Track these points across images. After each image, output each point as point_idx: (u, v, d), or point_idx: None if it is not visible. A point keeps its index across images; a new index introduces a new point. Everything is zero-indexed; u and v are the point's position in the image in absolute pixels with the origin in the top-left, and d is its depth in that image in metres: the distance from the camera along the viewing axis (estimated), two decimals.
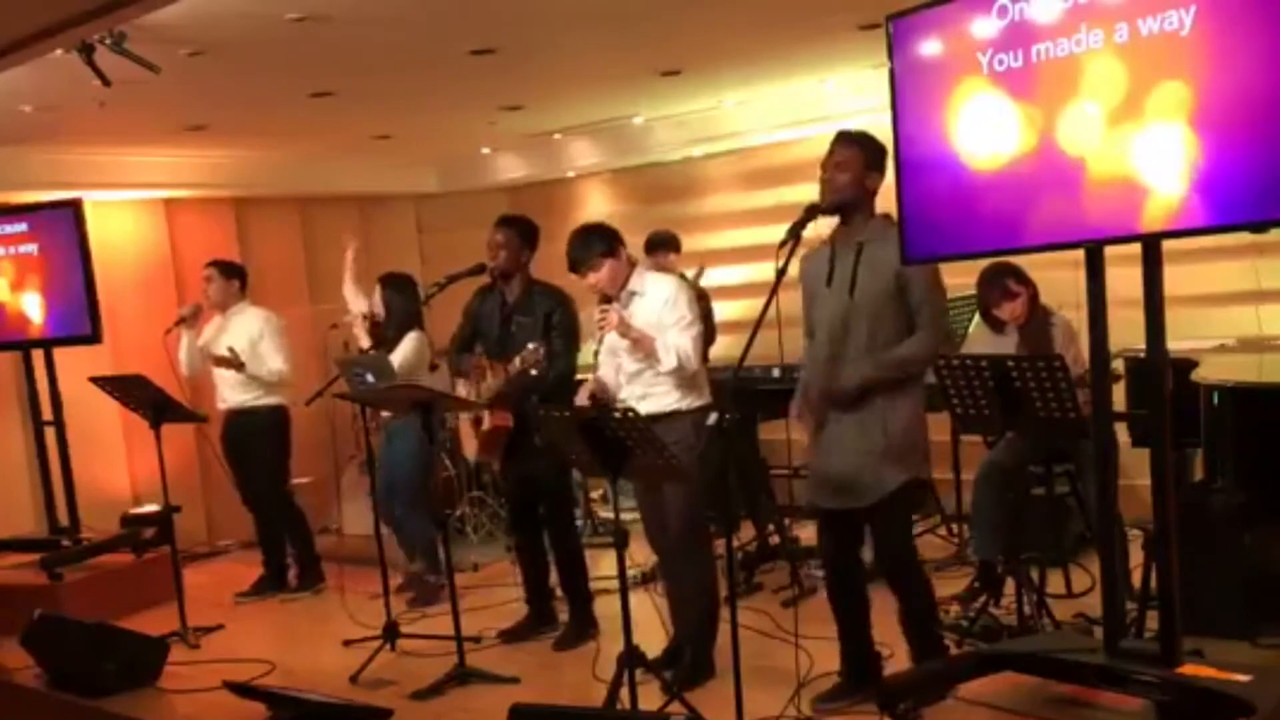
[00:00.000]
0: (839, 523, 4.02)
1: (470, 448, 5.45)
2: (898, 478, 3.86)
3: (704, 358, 4.42)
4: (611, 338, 4.55)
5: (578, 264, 4.60)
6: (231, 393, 6.35)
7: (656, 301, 4.49)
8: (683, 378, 4.43)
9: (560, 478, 5.21)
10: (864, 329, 3.85)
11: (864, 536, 4.17)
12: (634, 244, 6.98)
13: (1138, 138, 2.98)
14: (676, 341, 4.39)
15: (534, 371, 4.77)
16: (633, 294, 4.57)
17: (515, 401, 5.05)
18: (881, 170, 3.89)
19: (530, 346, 4.75)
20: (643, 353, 4.45)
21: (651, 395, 4.46)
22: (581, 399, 4.69)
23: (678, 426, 4.35)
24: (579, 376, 5.13)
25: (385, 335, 6.06)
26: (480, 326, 5.27)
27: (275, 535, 6.59)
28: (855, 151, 3.87)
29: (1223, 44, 2.82)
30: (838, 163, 3.88)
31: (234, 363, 6.12)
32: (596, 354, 4.69)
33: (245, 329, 6.35)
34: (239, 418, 6.37)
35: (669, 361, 4.37)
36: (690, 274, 6.44)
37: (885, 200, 3.89)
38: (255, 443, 6.35)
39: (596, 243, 4.58)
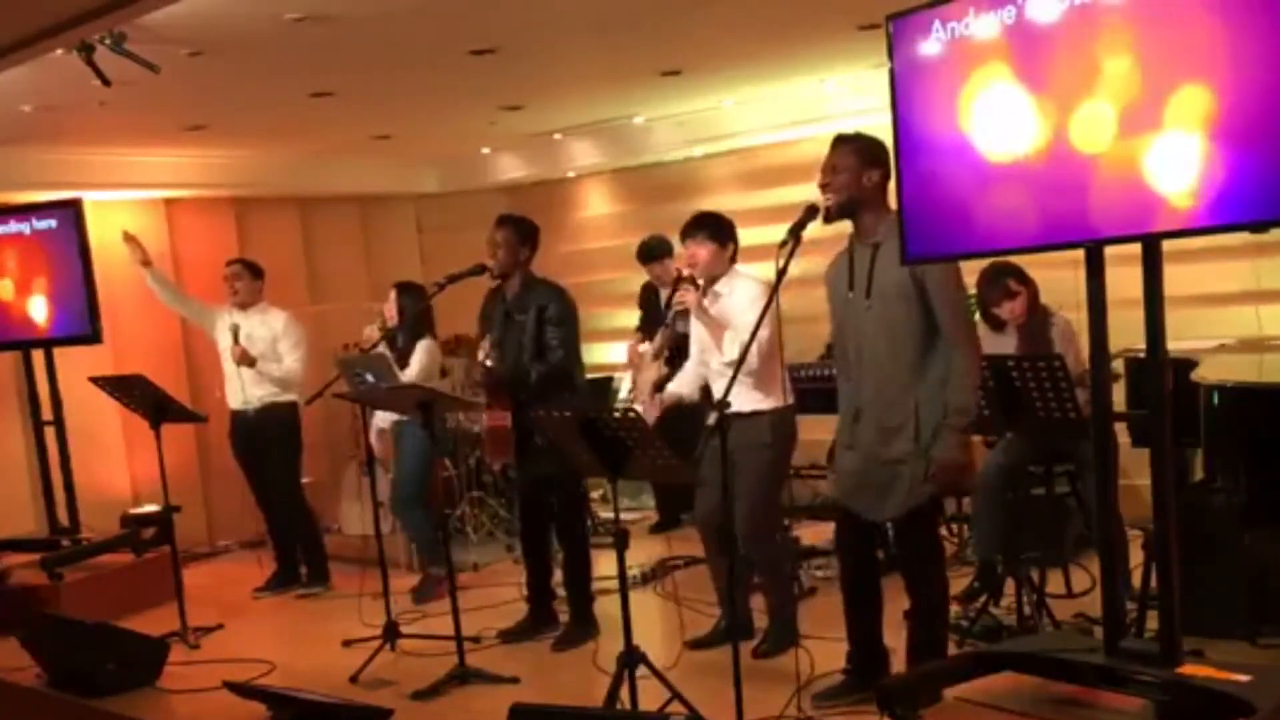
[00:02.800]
0: (860, 520, 3.98)
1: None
2: (930, 486, 3.80)
3: (780, 361, 4.48)
4: (702, 334, 4.69)
5: (688, 233, 4.75)
6: (251, 389, 6.39)
7: (741, 302, 4.62)
8: (758, 379, 4.52)
9: (572, 477, 5.19)
10: (882, 333, 3.78)
11: (882, 535, 4.16)
12: (632, 244, 7.01)
13: (1153, 141, 2.95)
14: (744, 338, 4.45)
15: (488, 363, 4.94)
16: (717, 295, 4.72)
17: (500, 397, 5.16)
18: (881, 165, 3.82)
19: (486, 338, 4.96)
20: (711, 338, 4.61)
21: (737, 397, 4.47)
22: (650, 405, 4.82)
23: (757, 424, 4.52)
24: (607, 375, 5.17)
25: (397, 341, 6.13)
26: (490, 329, 5.30)
27: (288, 530, 6.62)
28: (849, 151, 3.84)
29: (1241, 43, 2.79)
30: (832, 166, 3.85)
31: (245, 359, 6.23)
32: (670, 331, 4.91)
33: (268, 327, 6.43)
34: (256, 414, 6.40)
35: (730, 352, 4.48)
36: None
37: None
38: (272, 439, 6.40)
39: (714, 225, 4.75)
